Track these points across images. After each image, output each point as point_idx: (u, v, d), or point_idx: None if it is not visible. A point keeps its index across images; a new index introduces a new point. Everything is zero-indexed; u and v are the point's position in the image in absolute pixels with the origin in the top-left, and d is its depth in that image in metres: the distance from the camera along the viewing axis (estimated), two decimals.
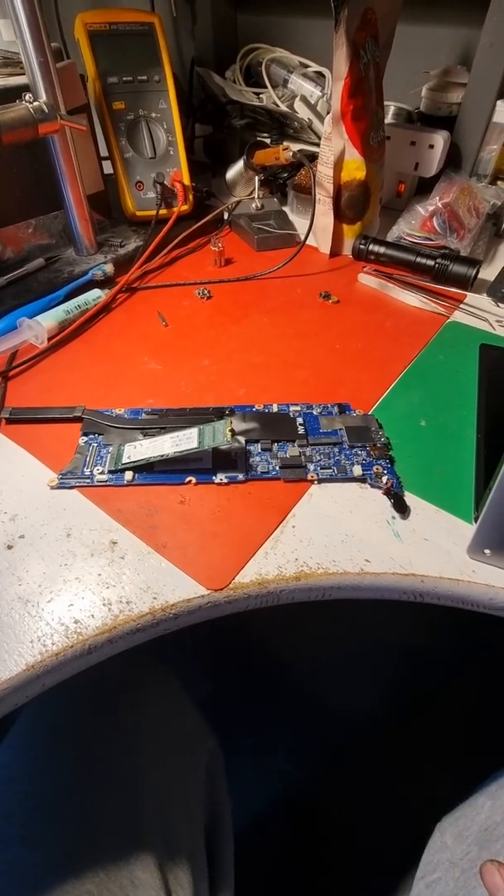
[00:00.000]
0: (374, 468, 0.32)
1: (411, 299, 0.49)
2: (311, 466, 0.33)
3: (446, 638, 0.77)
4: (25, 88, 0.41)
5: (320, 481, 0.32)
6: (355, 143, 0.49)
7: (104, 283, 0.49)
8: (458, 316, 0.47)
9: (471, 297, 0.50)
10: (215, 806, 0.40)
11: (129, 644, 0.26)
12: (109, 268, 0.49)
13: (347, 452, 0.33)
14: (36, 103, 0.39)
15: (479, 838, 0.34)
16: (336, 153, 0.49)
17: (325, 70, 0.70)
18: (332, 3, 0.40)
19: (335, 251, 0.57)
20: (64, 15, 0.62)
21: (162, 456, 0.31)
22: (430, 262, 0.51)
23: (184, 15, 0.76)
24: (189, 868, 0.32)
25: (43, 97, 0.41)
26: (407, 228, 0.56)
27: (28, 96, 0.40)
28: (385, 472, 0.32)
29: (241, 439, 0.34)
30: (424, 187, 0.64)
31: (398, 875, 0.48)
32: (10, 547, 0.28)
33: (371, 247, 0.54)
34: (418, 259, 0.51)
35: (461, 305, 0.49)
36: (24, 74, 0.45)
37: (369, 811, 0.64)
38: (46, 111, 0.40)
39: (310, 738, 0.70)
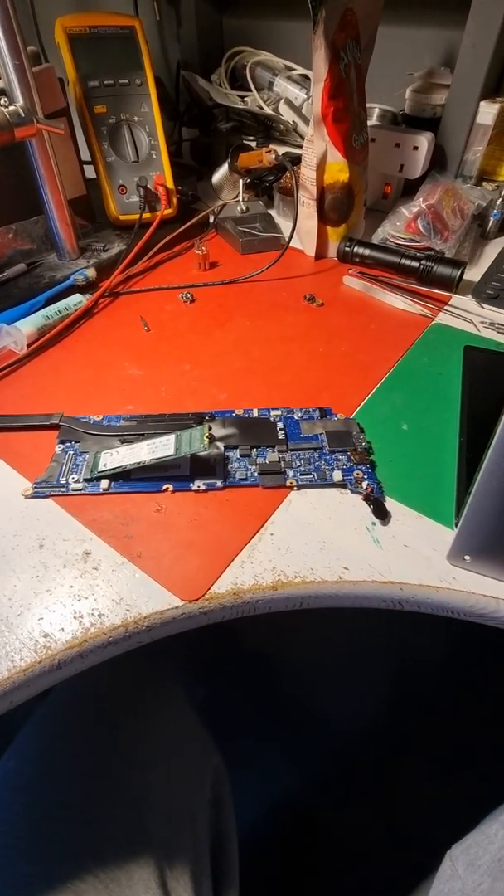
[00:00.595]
0: (355, 473, 0.32)
1: (396, 301, 0.49)
2: (291, 472, 0.32)
3: (444, 640, 0.77)
4: (1, 93, 0.41)
5: (300, 487, 0.32)
6: (337, 145, 0.49)
7: (86, 287, 0.49)
8: (442, 318, 0.47)
9: (456, 299, 0.49)
10: (220, 824, 0.39)
11: (100, 658, 0.25)
12: (91, 272, 0.49)
13: (328, 458, 0.33)
14: (11, 107, 0.39)
15: (491, 868, 0.33)
16: (318, 155, 0.49)
17: (310, 73, 0.70)
18: (309, 3, 0.40)
19: (320, 254, 0.56)
20: (43, 18, 0.62)
21: (138, 463, 0.31)
22: (415, 264, 0.50)
23: (168, 18, 0.75)
24: (193, 888, 0.32)
25: (20, 101, 0.40)
26: (392, 230, 0.56)
27: (3, 100, 0.39)
28: (365, 477, 0.32)
29: (220, 445, 0.33)
30: (410, 189, 0.63)
31: (399, 885, 0.47)
32: None
33: (356, 249, 0.53)
34: (403, 261, 0.51)
35: (446, 307, 0.48)
36: None
37: (369, 817, 0.63)
38: (23, 115, 0.39)
39: (307, 744, 0.70)
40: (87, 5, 0.73)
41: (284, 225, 0.62)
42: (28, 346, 0.42)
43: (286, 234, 0.59)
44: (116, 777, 0.33)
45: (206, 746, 0.41)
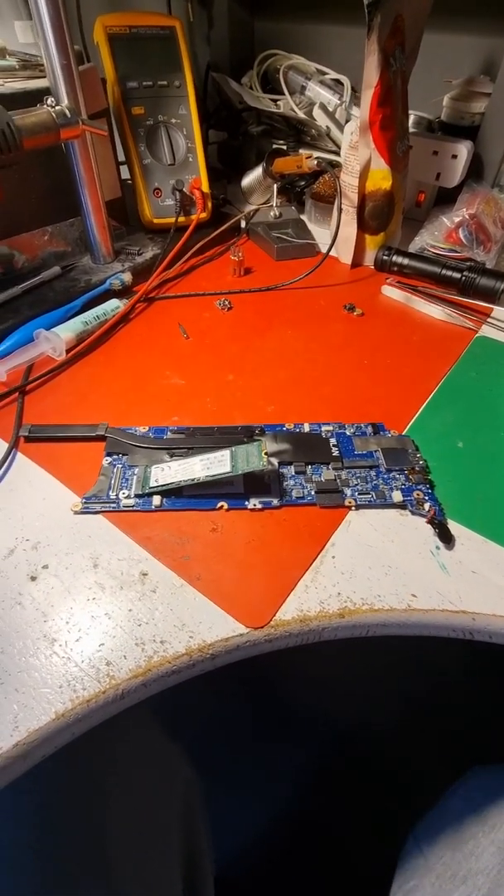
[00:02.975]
0: (415, 494, 0.31)
1: (437, 312, 0.48)
2: (348, 491, 0.31)
3: (455, 651, 0.76)
4: (46, 92, 0.40)
5: (358, 507, 0.30)
6: (382, 153, 0.48)
7: (121, 292, 0.48)
8: (486, 330, 0.46)
9: (497, 311, 0.48)
10: (193, 838, 0.38)
11: (162, 687, 0.24)
12: (127, 277, 0.48)
13: (385, 476, 0.32)
14: (58, 107, 0.38)
15: (450, 840, 0.34)
16: (362, 162, 0.48)
17: (343, 77, 0.69)
18: (365, 8, 0.39)
19: (356, 262, 0.55)
20: (85, 18, 0.61)
21: (192, 480, 0.29)
22: (457, 275, 0.49)
23: (200, 20, 0.74)
24: None
25: (65, 101, 0.39)
26: (430, 240, 0.55)
27: (50, 100, 0.38)
28: (426, 498, 0.30)
29: (275, 461, 0.32)
30: (443, 198, 0.63)
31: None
32: (33, 578, 0.26)
33: (394, 258, 0.53)
34: (444, 271, 0.50)
35: (488, 319, 0.47)
36: (43, 77, 0.43)
37: (348, 821, 0.62)
38: (68, 116, 0.38)
39: (302, 752, 0.69)
40: (121, 6, 0.71)
41: (316, 231, 0.61)
42: (66, 352, 0.41)
43: (318, 240, 0.58)
44: (72, 808, 0.31)
45: (173, 759, 0.40)
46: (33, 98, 0.39)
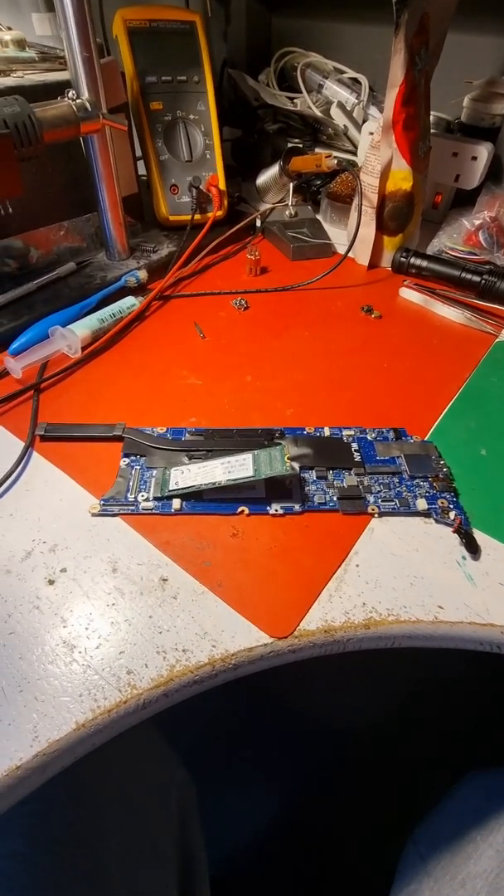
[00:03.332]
0: (439, 502, 0.30)
1: (456, 316, 0.47)
2: (371, 498, 0.30)
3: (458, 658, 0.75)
4: (66, 85, 0.39)
5: (381, 514, 0.30)
6: (404, 153, 0.47)
7: (137, 290, 0.47)
8: None
9: None
10: (188, 842, 0.38)
11: (183, 697, 0.23)
12: (143, 274, 0.47)
13: (409, 483, 0.31)
14: (79, 100, 0.37)
15: (451, 844, 0.34)
16: (383, 162, 0.47)
17: (360, 76, 0.68)
18: (393, 6, 0.38)
19: (373, 263, 0.55)
20: (106, 11, 0.60)
21: (213, 484, 0.29)
22: (476, 279, 0.49)
23: (217, 15, 0.74)
24: None
25: (85, 94, 0.39)
26: (449, 242, 0.54)
27: (71, 93, 0.37)
28: (451, 506, 0.30)
29: (296, 466, 0.31)
30: (460, 200, 0.62)
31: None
32: (51, 582, 0.26)
33: (412, 260, 0.52)
34: (463, 274, 0.49)
35: None
36: (62, 70, 0.43)
37: (347, 825, 0.62)
38: (89, 109, 0.38)
39: (299, 753, 0.68)
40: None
41: (332, 231, 0.60)
42: (82, 349, 0.40)
43: (334, 241, 0.58)
44: (65, 817, 0.31)
45: (168, 762, 0.39)
46: (53, 91, 0.39)
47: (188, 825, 0.39)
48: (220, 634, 0.24)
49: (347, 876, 0.59)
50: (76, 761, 0.21)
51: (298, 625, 0.25)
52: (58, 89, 0.39)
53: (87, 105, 0.38)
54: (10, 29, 0.44)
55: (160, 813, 0.36)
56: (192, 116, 0.52)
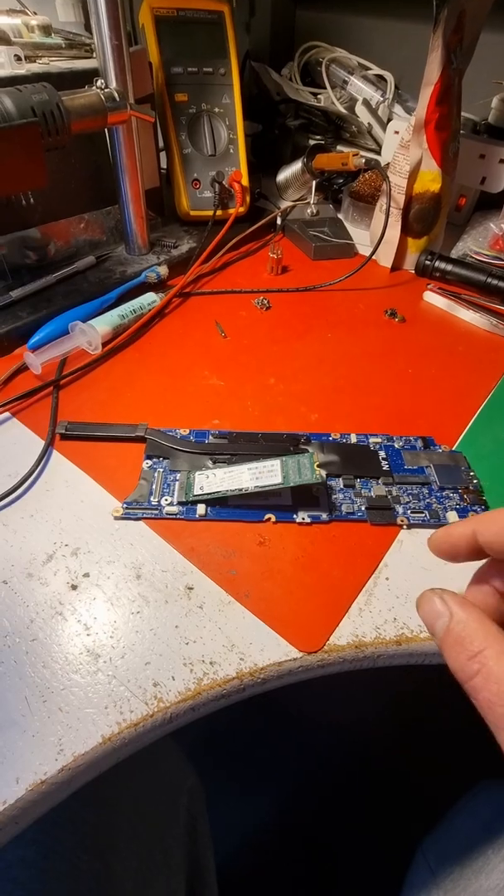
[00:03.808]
0: (470, 515, 0.29)
1: (482, 322, 0.46)
2: (400, 509, 0.30)
3: None
4: (93, 73, 0.38)
5: (410, 526, 0.29)
6: (434, 154, 0.46)
7: (157, 286, 0.46)
8: None
9: None
10: (197, 849, 0.38)
11: (210, 710, 0.23)
12: (164, 270, 0.46)
13: (438, 495, 0.30)
14: (107, 90, 0.36)
15: (460, 858, 0.34)
16: (413, 163, 0.46)
17: (386, 73, 0.67)
18: (433, 2, 0.37)
19: (396, 265, 0.54)
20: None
21: (241, 490, 0.28)
22: (503, 284, 0.48)
23: (241, 6, 0.72)
24: None
25: (114, 83, 0.38)
26: (475, 246, 0.53)
27: (99, 82, 0.36)
28: None
29: (324, 473, 0.31)
30: (483, 203, 0.61)
31: None
32: (74, 587, 0.25)
33: (437, 263, 0.51)
34: (489, 280, 0.48)
35: None
36: (88, 58, 0.42)
37: (357, 835, 0.62)
38: (117, 99, 0.37)
39: (299, 757, 0.68)
40: None
41: (354, 232, 0.59)
42: (102, 346, 0.39)
43: (356, 240, 0.57)
44: (77, 822, 0.30)
45: (179, 767, 0.39)
46: (80, 79, 0.38)
47: (197, 832, 0.39)
48: (248, 647, 0.23)
49: (352, 882, 0.59)
50: None
51: (328, 639, 0.24)
52: (85, 78, 0.38)
53: (116, 95, 0.37)
54: (35, 14, 0.43)
55: (172, 822, 0.36)
56: (216, 109, 0.51)
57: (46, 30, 0.42)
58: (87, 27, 0.52)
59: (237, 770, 0.67)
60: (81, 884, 0.28)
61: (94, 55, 0.38)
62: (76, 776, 0.20)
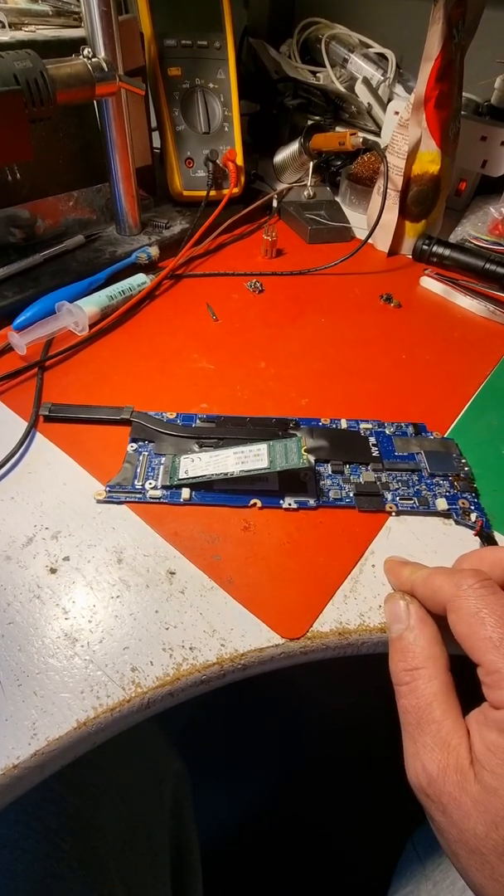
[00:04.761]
0: (460, 502, 0.29)
1: (478, 308, 0.46)
2: (389, 495, 0.29)
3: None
4: (82, 42, 0.37)
5: (399, 513, 0.29)
6: (434, 134, 0.45)
7: (148, 267, 0.45)
8: None
9: None
10: (182, 832, 0.38)
11: (189, 696, 0.22)
12: (154, 251, 0.45)
13: (428, 482, 0.30)
14: (95, 59, 0.35)
15: None
16: (411, 143, 0.45)
17: (388, 52, 0.65)
18: None
19: (393, 250, 0.53)
20: None
21: (226, 474, 0.27)
22: (501, 270, 0.47)
23: None
24: None
25: (102, 53, 0.36)
26: (473, 231, 0.52)
27: (86, 50, 0.35)
28: (472, 507, 0.29)
29: (312, 459, 0.30)
30: (483, 187, 0.59)
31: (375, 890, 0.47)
32: (53, 571, 0.25)
33: (435, 248, 0.50)
34: (487, 265, 0.47)
35: None
36: (77, 27, 0.40)
37: (348, 823, 0.62)
38: (105, 69, 0.35)
39: (291, 746, 0.68)
40: None
41: (351, 215, 0.58)
42: (90, 327, 0.38)
43: (353, 224, 0.55)
44: (62, 804, 0.30)
45: (163, 752, 0.39)
46: (68, 48, 0.36)
47: (182, 816, 0.39)
48: (230, 633, 0.23)
49: (342, 872, 0.60)
50: None
51: (311, 626, 0.24)
52: (72, 47, 0.36)
53: (104, 65, 0.35)
54: None
55: (155, 804, 0.36)
56: (211, 85, 0.49)
57: None
58: None
59: (226, 756, 0.68)
60: (64, 864, 0.28)
61: (83, 24, 0.37)
62: (50, 761, 0.19)
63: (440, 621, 0.20)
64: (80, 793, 0.31)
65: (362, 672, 0.73)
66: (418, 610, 0.21)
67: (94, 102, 0.39)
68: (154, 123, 0.51)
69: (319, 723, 0.70)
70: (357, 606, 0.24)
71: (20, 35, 0.36)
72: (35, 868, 0.28)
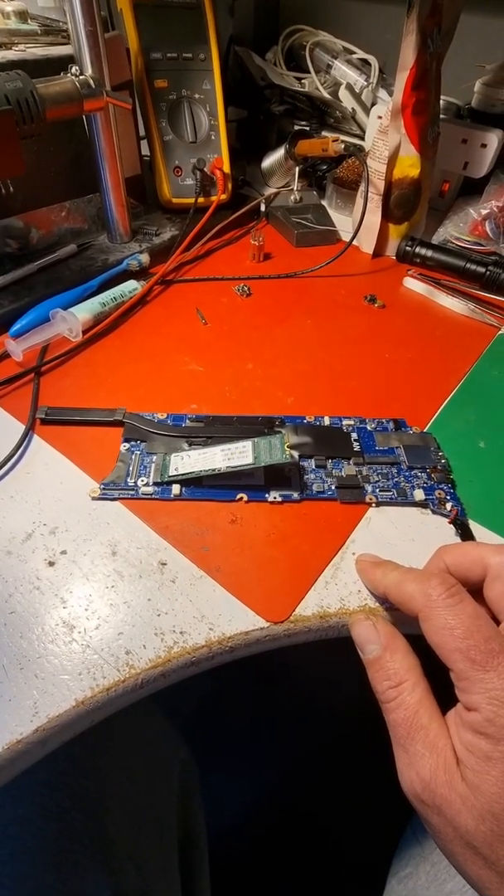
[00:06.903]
0: (437, 493, 0.30)
1: (459, 307, 0.47)
2: (369, 487, 0.31)
3: None
4: (69, 60, 0.38)
5: (379, 504, 0.30)
6: (412, 139, 0.46)
7: (139, 274, 0.47)
8: None
9: None
10: (189, 819, 0.39)
11: (180, 678, 0.24)
12: (145, 258, 0.47)
13: (407, 474, 0.31)
14: (82, 77, 0.37)
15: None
16: (391, 148, 0.47)
17: (371, 58, 0.67)
18: None
19: (378, 252, 0.54)
20: None
21: (213, 470, 0.29)
22: (481, 269, 0.48)
23: None
24: (161, 891, 0.31)
25: (89, 70, 0.38)
26: (455, 231, 0.54)
27: (74, 69, 0.37)
28: (448, 497, 0.30)
29: (295, 454, 0.31)
30: (466, 189, 0.61)
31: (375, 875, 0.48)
32: (51, 564, 0.26)
33: (418, 249, 0.51)
34: (468, 265, 0.49)
35: None
36: (65, 44, 0.42)
37: (351, 812, 0.63)
38: (93, 86, 0.37)
39: (293, 734, 0.70)
40: None
41: (337, 218, 0.60)
42: (83, 333, 0.40)
43: (339, 227, 0.57)
44: (72, 786, 0.31)
45: (171, 739, 0.40)
46: (56, 66, 0.38)
47: (190, 803, 0.40)
48: (218, 618, 0.25)
49: (344, 854, 0.61)
50: (82, 733, 0.22)
51: (294, 610, 0.25)
52: (61, 64, 0.38)
53: (91, 82, 0.37)
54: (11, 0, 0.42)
55: (163, 788, 0.37)
56: (197, 96, 0.51)
57: (23, 16, 0.42)
58: None
59: (234, 746, 0.69)
60: (75, 842, 0.30)
61: (70, 42, 0.38)
62: (50, 736, 0.21)
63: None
64: (90, 776, 0.32)
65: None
66: (385, 625, 0.22)
67: (84, 117, 0.41)
68: (143, 133, 0.52)
69: (327, 712, 0.71)
70: (338, 591, 0.26)
71: (10, 55, 0.38)
72: (50, 846, 0.29)
